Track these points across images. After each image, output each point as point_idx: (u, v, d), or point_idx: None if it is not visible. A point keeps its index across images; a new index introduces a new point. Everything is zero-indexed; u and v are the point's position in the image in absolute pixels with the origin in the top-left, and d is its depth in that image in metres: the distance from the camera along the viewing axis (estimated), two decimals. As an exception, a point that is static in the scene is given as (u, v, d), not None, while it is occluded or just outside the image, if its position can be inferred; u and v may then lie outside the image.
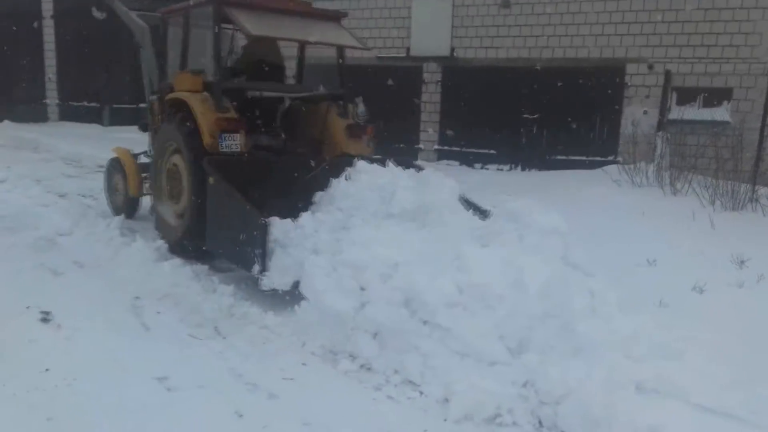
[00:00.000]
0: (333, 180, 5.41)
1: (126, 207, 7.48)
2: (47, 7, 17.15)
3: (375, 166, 5.51)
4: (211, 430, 3.25)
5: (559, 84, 11.77)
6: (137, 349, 4.16)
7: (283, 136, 6.75)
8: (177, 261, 5.70)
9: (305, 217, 5.09)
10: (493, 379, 3.64)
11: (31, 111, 17.10)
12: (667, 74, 10.91)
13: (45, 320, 4.54)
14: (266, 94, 6.53)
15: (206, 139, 5.69)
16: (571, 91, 11.68)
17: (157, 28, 7.26)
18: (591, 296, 4.24)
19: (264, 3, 6.26)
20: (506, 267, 4.27)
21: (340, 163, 5.69)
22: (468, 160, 12.75)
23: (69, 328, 4.40)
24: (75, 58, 17.00)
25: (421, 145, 13.37)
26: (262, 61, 6.74)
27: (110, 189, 7.83)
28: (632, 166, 9.55)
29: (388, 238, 4.70)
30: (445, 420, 3.45)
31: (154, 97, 7.21)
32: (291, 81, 7.49)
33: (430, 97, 13.28)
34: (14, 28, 17.23)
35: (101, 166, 11.18)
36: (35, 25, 17.14)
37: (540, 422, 3.44)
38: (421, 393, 3.72)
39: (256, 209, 4.96)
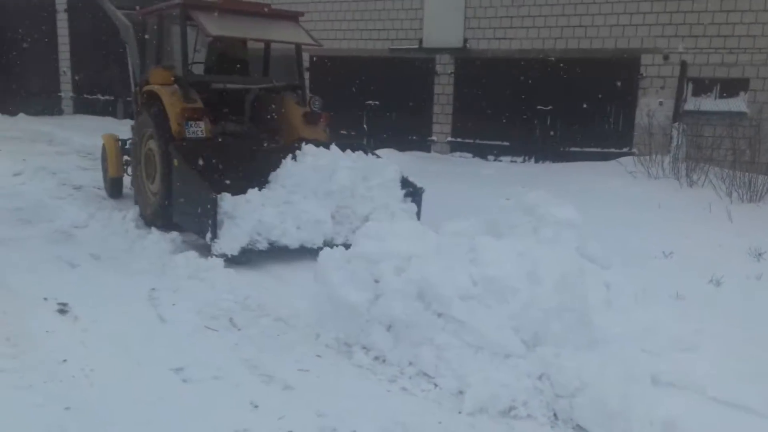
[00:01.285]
0: (283, 161, 6.06)
1: (111, 187, 8.29)
2: (61, 0, 17.23)
3: (320, 149, 6.18)
4: (226, 420, 3.25)
5: (573, 75, 11.68)
6: (153, 340, 4.19)
7: (247, 123, 7.50)
8: (192, 253, 5.71)
9: (252, 193, 5.77)
10: (507, 372, 3.63)
11: (45, 104, 17.22)
12: (683, 65, 10.79)
13: (62, 312, 4.59)
14: (229, 85, 7.39)
15: (174, 127, 6.41)
16: (585, 83, 11.59)
17: (139, 26, 8.08)
18: (607, 289, 4.23)
19: (225, 5, 7.00)
20: (521, 259, 4.25)
21: (294, 147, 6.30)
22: (481, 152, 12.70)
23: (86, 319, 4.45)
24: (89, 51, 17.07)
25: (433, 137, 13.34)
26: (225, 57, 7.60)
27: (103, 172, 8.58)
28: (648, 157, 9.47)
29: (402, 231, 4.69)
30: (460, 412, 3.44)
31: (137, 88, 7.90)
32: (256, 74, 8.17)
33: (443, 89, 13.23)
34: (29, 22, 17.32)
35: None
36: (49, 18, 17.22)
37: (555, 415, 3.43)
38: (436, 385, 3.71)
39: (209, 186, 5.66)
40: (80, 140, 12.94)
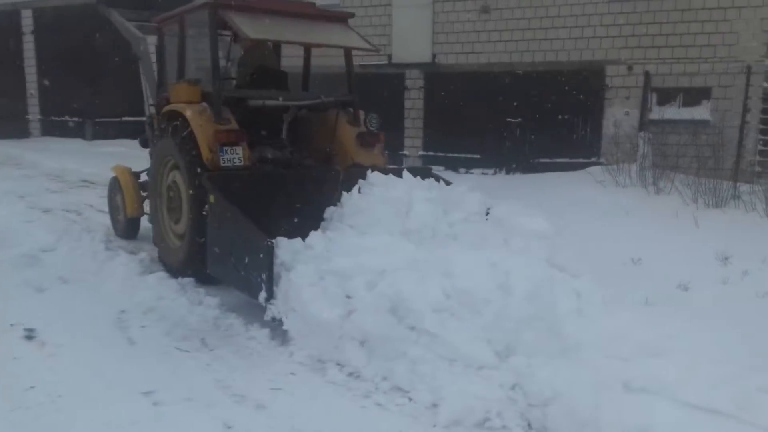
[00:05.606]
0: (344, 194, 5.06)
1: (126, 228, 7.25)
2: (27, 22, 17.07)
3: (390, 177, 5.17)
4: (199, 443, 3.22)
5: (541, 87, 11.84)
6: (123, 363, 4.13)
7: (288, 147, 6.34)
8: (162, 274, 5.67)
9: (315, 237, 4.70)
10: (481, 384, 3.65)
11: (13, 127, 16.99)
12: (647, 75, 11.01)
13: (29, 337, 4.51)
14: (269, 103, 6.10)
15: (205, 154, 5.36)
16: (552, 95, 11.75)
17: (160, 38, 6.95)
18: (578, 297, 4.26)
19: (263, 5, 5.84)
20: (493, 270, 4.28)
21: (353, 175, 5.29)
22: (453, 165, 12.78)
23: (53, 344, 4.38)
24: (56, 73, 16.90)
25: (405, 151, 13.39)
26: (262, 69, 6.39)
27: (112, 209, 7.54)
28: (615, 166, 9.62)
29: (376, 245, 4.67)
30: (435, 426, 3.45)
31: (153, 109, 6.90)
32: (295, 89, 7.05)
33: (413, 103, 13.32)
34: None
35: (85, 181, 11.17)
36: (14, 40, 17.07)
37: (529, 425, 3.45)
38: (410, 399, 3.71)
39: (261, 230, 4.55)
40: (49, 163, 12.79)
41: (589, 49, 11.47)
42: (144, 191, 7.00)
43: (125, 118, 16.06)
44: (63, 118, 17.07)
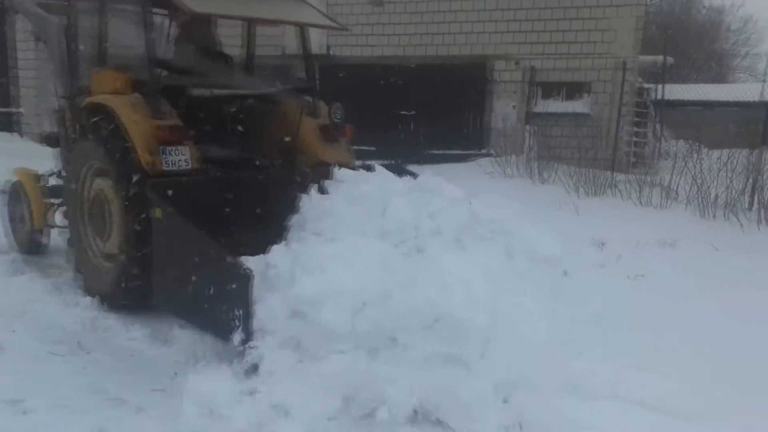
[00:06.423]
0: (303, 196, 4.22)
1: (32, 241, 6.11)
2: None
3: (360, 172, 4.50)
4: (70, 451, 3.05)
5: (433, 81, 12.06)
6: (-11, 371, 3.85)
7: (238, 145, 5.47)
8: (35, 274, 5.34)
9: (277, 252, 3.83)
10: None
11: None
12: (532, 70, 11.45)
13: None
14: (217, 92, 5.22)
15: (143, 157, 4.47)
16: (444, 88, 12.00)
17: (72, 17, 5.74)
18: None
19: None
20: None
21: (322, 175, 4.50)
22: (348, 158, 12.82)
23: None
24: None
25: (301, 144, 13.30)
26: (202, 52, 5.46)
27: (12, 220, 6.30)
28: (503, 158, 9.96)
29: (347, 252, 3.83)
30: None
31: (65, 102, 5.78)
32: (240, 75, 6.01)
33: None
34: None
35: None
36: None
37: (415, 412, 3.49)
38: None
39: (230, 254, 3.78)
40: None
41: (479, 44, 11.79)
42: (51, 198, 5.97)
43: (1, 109, 15.03)
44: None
